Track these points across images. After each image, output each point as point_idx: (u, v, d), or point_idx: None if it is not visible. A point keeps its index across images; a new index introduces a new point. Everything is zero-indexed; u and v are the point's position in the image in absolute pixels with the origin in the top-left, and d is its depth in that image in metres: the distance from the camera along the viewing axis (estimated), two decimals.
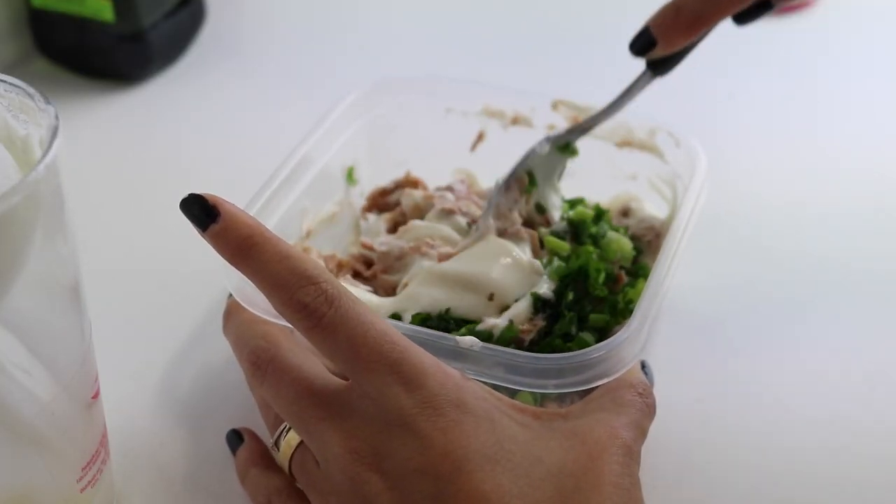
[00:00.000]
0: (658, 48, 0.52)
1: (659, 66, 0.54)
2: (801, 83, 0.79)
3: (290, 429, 0.43)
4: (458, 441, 0.39)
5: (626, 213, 0.59)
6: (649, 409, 0.44)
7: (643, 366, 0.47)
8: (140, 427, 0.51)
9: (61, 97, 0.73)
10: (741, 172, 0.69)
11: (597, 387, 0.45)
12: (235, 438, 0.48)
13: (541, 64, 0.55)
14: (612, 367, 0.44)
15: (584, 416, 0.43)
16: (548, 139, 0.57)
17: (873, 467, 0.50)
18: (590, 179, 0.59)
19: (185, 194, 0.41)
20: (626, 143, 0.60)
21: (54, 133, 0.35)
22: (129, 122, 0.73)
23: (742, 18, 0.52)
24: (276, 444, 0.44)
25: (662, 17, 0.51)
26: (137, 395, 0.52)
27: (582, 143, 0.59)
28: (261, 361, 0.43)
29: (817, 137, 0.73)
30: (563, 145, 0.57)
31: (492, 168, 0.61)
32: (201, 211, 0.41)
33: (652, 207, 0.59)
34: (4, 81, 0.37)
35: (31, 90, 0.37)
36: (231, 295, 0.47)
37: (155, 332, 0.56)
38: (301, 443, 0.43)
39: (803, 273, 0.62)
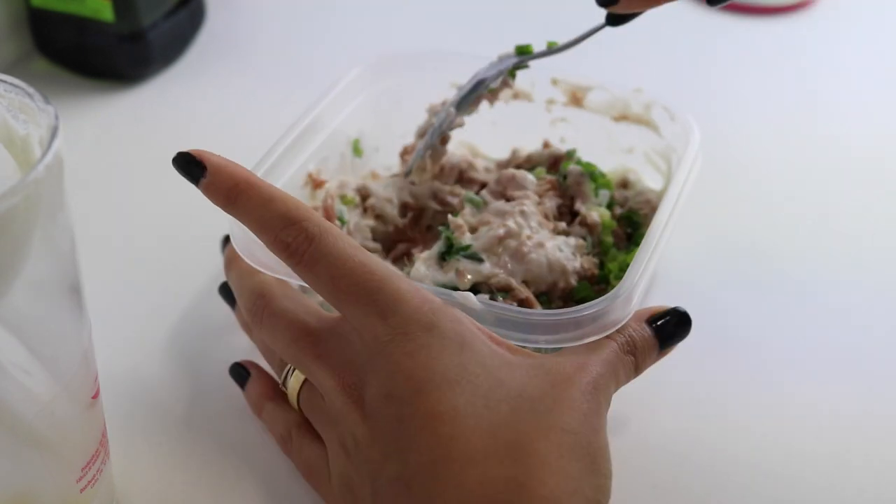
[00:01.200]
0: (620, 4, 0.49)
1: (615, 19, 0.53)
2: (797, 61, 0.81)
3: (294, 369, 0.45)
4: (423, 363, 0.40)
5: (624, 184, 0.61)
6: (631, 363, 0.44)
7: (654, 322, 0.46)
8: (140, 426, 0.51)
9: (61, 97, 0.73)
10: (735, 146, 0.70)
11: None
12: (241, 372, 0.50)
13: (542, 37, 0.56)
14: (603, 326, 0.45)
15: (560, 354, 0.43)
16: (502, 59, 0.57)
17: (873, 451, 0.50)
18: (588, 152, 0.60)
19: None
20: (622, 117, 0.61)
21: (54, 133, 0.35)
22: (128, 122, 0.73)
23: None
24: (284, 383, 0.46)
25: None
26: (137, 395, 0.52)
27: (580, 117, 0.61)
28: (257, 308, 0.46)
29: (811, 111, 0.75)
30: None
31: (494, 142, 0.62)
32: (190, 166, 0.44)
33: (650, 181, 0.61)
34: (4, 81, 0.37)
35: (31, 90, 0.37)
36: (228, 239, 0.49)
37: (155, 331, 0.56)
38: (306, 380, 0.45)
39: (799, 245, 0.63)
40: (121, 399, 0.50)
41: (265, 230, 0.43)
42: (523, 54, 0.57)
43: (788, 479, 0.49)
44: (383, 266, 0.42)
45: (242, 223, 0.44)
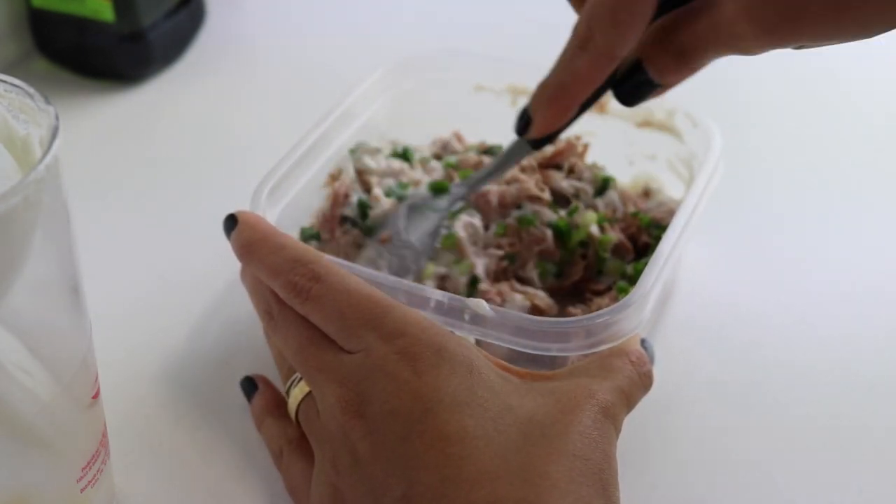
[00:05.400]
0: (532, 127, 0.48)
1: (537, 140, 0.51)
2: (804, 62, 0.80)
3: (300, 379, 0.45)
4: (432, 384, 0.40)
5: (646, 193, 0.60)
6: (641, 379, 0.44)
7: (643, 342, 0.47)
8: (140, 427, 0.51)
9: (61, 97, 0.73)
10: (758, 153, 0.70)
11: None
12: (250, 385, 0.50)
13: (556, 38, 0.56)
14: (616, 334, 0.45)
15: (568, 378, 0.43)
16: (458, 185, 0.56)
17: (879, 456, 0.50)
18: (610, 159, 0.59)
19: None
20: (645, 124, 0.61)
21: (54, 133, 0.35)
22: (129, 122, 0.73)
23: (626, 98, 0.47)
24: (287, 392, 0.46)
25: (535, 95, 0.48)
26: (137, 395, 0.52)
27: (603, 123, 0.60)
28: (273, 310, 0.46)
29: (827, 114, 0.75)
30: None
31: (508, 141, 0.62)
32: (228, 221, 0.48)
33: (673, 191, 0.60)
34: (4, 81, 0.37)
35: (31, 90, 0.37)
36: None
37: (155, 331, 0.56)
38: (309, 393, 0.44)
39: (822, 252, 0.63)
40: (121, 399, 0.50)
41: (276, 275, 0.44)
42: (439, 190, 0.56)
43: (789, 480, 0.49)
44: (388, 298, 0.43)
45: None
